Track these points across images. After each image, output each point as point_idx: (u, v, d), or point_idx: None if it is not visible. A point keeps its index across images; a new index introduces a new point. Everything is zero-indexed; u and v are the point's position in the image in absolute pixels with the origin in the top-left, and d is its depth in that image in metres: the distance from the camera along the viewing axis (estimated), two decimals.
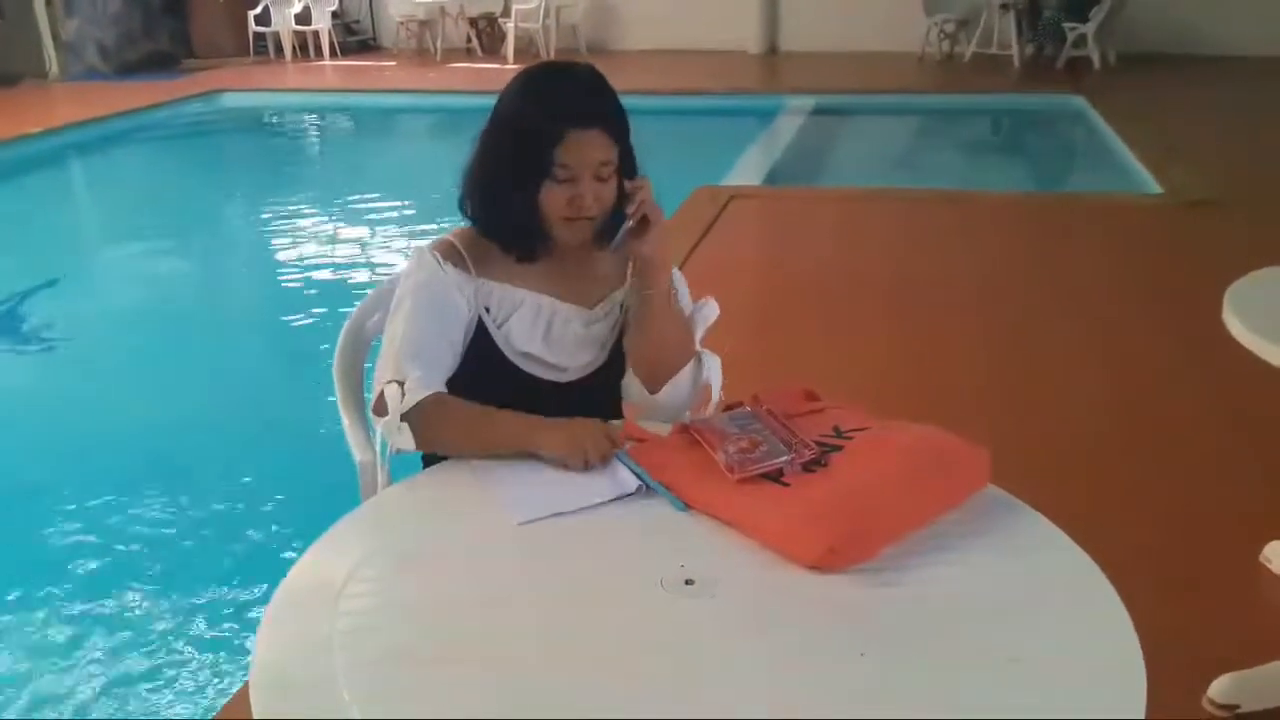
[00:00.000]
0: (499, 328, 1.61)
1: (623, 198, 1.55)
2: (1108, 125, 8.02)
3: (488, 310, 1.60)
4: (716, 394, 1.64)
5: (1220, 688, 2.00)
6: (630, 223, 1.54)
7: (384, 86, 11.31)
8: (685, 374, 1.62)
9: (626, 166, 1.58)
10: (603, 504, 1.32)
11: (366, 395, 1.84)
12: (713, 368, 1.66)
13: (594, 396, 1.62)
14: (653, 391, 1.62)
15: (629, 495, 1.34)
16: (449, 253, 1.60)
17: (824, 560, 1.17)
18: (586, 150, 1.52)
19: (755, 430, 1.41)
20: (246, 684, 1.10)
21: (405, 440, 1.46)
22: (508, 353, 1.61)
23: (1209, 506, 2.77)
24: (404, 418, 1.46)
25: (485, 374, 1.59)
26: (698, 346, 1.68)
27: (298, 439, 3.58)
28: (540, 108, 1.54)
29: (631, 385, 1.65)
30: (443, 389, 1.51)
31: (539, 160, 1.52)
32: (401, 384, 1.48)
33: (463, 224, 1.65)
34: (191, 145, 9.82)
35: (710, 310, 1.73)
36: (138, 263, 6.25)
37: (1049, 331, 4.11)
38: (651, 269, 1.58)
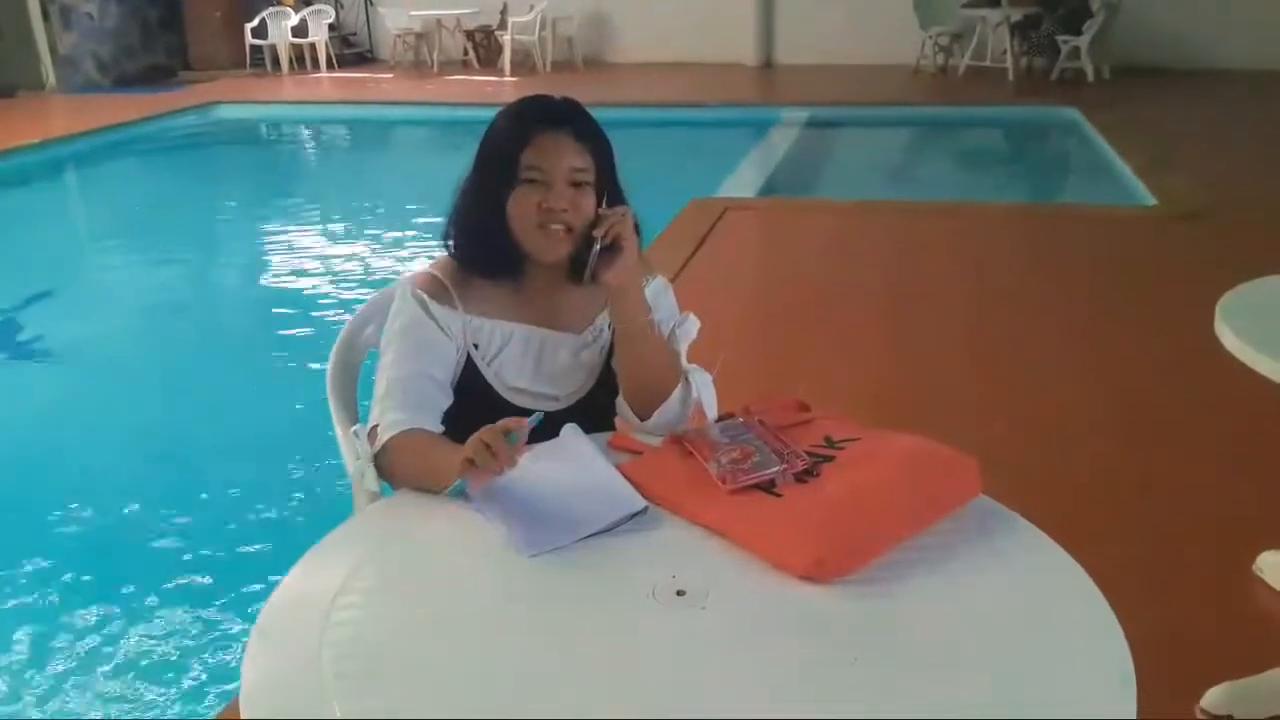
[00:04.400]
0: (489, 364, 1.59)
1: (598, 225, 1.50)
2: (1101, 137, 8.05)
3: (476, 347, 1.58)
4: (712, 413, 1.60)
5: (1213, 698, 2.00)
6: (598, 245, 1.48)
7: (380, 99, 11.34)
8: (674, 399, 1.58)
9: (607, 193, 1.54)
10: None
11: (360, 406, 1.85)
12: (703, 386, 1.62)
13: (585, 420, 1.59)
14: (643, 419, 1.58)
15: (639, 513, 1.31)
16: (434, 289, 1.57)
17: (815, 570, 1.18)
18: (556, 152, 1.50)
19: (747, 441, 1.41)
20: (237, 696, 1.10)
21: (370, 481, 1.47)
22: (498, 387, 1.60)
23: (1201, 517, 2.77)
24: (376, 459, 1.46)
25: (475, 409, 1.56)
26: (684, 364, 1.64)
27: (291, 450, 3.58)
28: (509, 118, 1.56)
29: (625, 406, 1.62)
30: (432, 427, 1.50)
31: (508, 166, 1.51)
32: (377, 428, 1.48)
33: (442, 254, 1.64)
34: (187, 157, 9.83)
35: (690, 326, 1.68)
36: (133, 274, 6.25)
37: (1042, 341, 4.12)
38: (622, 300, 1.53)
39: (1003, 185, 8.21)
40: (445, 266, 1.61)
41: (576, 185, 1.51)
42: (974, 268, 5.15)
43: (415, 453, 1.45)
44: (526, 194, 1.51)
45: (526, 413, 1.57)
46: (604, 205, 1.53)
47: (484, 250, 1.57)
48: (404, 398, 1.50)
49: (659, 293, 1.66)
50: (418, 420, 1.49)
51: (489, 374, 1.59)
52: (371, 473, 1.46)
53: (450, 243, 1.61)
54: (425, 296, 1.57)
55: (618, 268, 1.50)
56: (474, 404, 1.57)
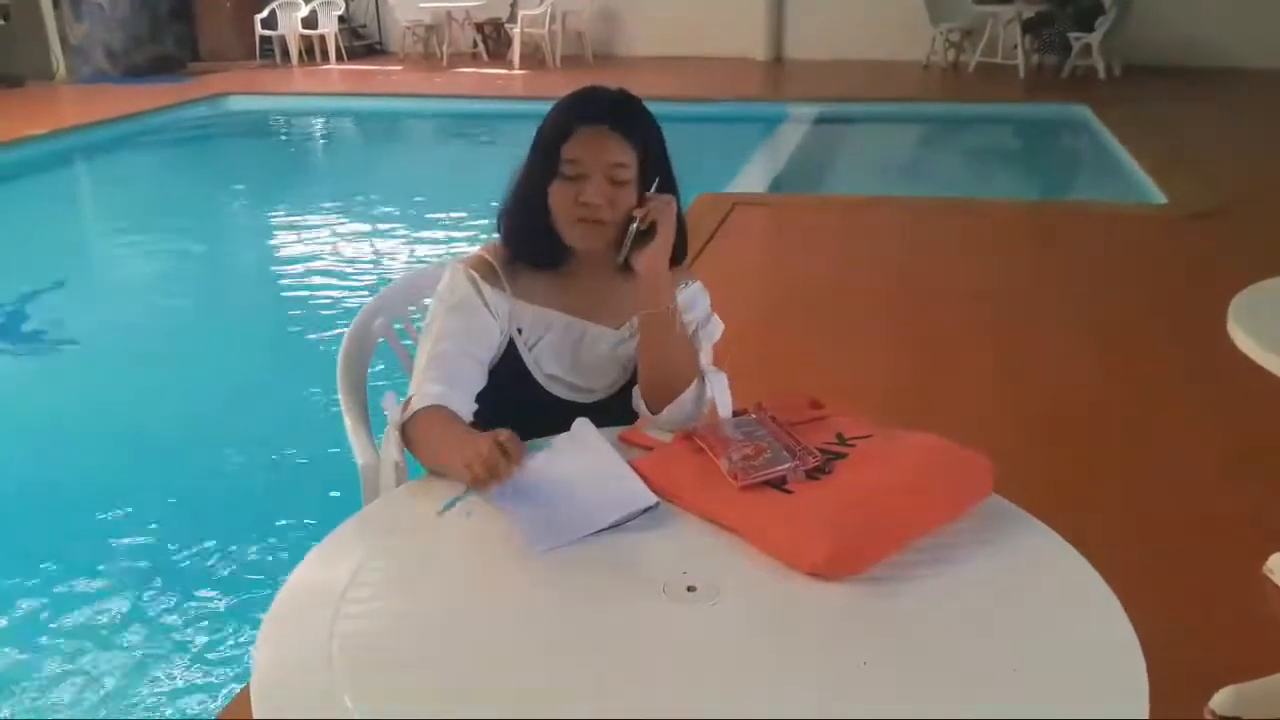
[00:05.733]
0: (530, 350, 1.61)
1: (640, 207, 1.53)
2: (1112, 135, 8.02)
3: (519, 331, 1.60)
4: (726, 414, 1.59)
5: (1222, 700, 1.99)
6: (634, 226, 1.51)
7: (390, 91, 11.34)
8: (687, 395, 1.58)
9: (658, 183, 1.56)
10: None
11: (370, 398, 1.85)
12: (719, 387, 1.62)
13: (615, 415, 1.60)
14: (654, 411, 1.59)
15: (650, 509, 1.30)
16: (485, 271, 1.59)
17: (826, 568, 1.17)
18: (595, 147, 1.51)
19: (759, 437, 1.41)
20: (247, 687, 1.10)
21: (394, 450, 1.47)
22: (535, 374, 1.62)
23: (1212, 518, 2.77)
24: (403, 428, 1.46)
25: (511, 393, 1.59)
26: (704, 364, 1.64)
27: (301, 441, 3.58)
28: (559, 109, 1.57)
29: (639, 397, 1.63)
30: (465, 404, 1.51)
31: (550, 157, 1.53)
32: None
33: (495, 237, 1.65)
34: (197, 148, 9.84)
35: (714, 327, 1.69)
36: (143, 265, 6.26)
37: (1052, 340, 4.10)
38: (648, 285, 1.54)
39: (1013, 182, 8.19)
40: (495, 250, 1.63)
41: (616, 182, 1.52)
42: (983, 265, 5.14)
43: (435, 431, 1.44)
44: (564, 187, 1.53)
45: (559, 400, 1.59)
46: (652, 191, 1.55)
47: (528, 238, 1.59)
48: (442, 372, 1.52)
49: (696, 294, 1.68)
50: (453, 395, 1.50)
51: (528, 359, 1.61)
52: (395, 437, 1.47)
53: (501, 228, 1.63)
54: (476, 276, 1.58)
55: (649, 252, 1.52)
56: (511, 387, 1.59)
